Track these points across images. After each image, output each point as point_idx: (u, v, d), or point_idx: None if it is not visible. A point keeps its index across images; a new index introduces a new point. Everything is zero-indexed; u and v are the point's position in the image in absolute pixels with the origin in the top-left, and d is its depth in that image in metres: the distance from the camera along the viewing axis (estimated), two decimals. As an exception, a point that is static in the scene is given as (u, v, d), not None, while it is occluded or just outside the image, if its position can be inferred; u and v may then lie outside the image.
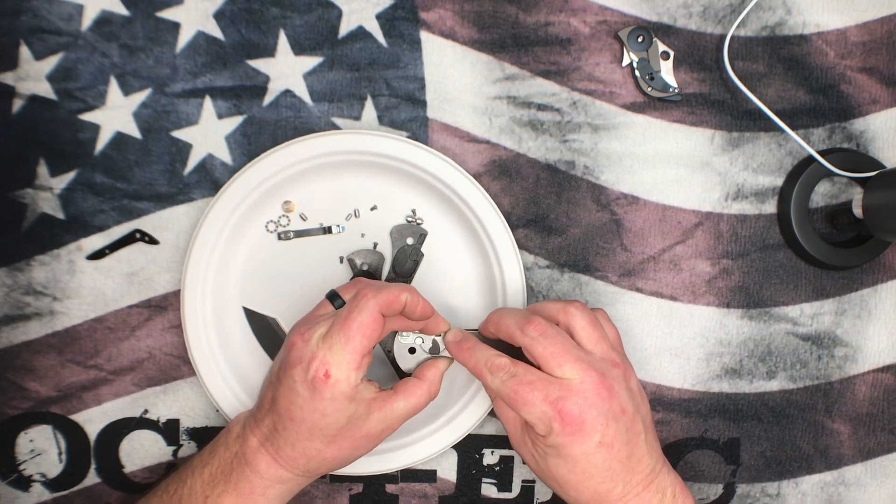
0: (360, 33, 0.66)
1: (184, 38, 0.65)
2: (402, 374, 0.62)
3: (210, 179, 0.66)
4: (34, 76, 0.65)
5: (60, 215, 0.66)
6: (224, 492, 0.58)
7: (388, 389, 0.58)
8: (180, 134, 0.66)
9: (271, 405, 0.57)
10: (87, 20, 0.65)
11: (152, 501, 0.60)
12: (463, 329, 0.61)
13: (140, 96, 0.65)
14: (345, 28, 0.66)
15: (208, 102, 0.66)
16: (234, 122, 0.66)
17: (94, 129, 0.65)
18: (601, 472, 0.55)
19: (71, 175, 0.65)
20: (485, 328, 0.60)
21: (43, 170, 0.65)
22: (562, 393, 0.54)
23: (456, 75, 0.66)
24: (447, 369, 0.61)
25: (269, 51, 0.66)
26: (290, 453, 0.57)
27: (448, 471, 0.68)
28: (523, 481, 0.68)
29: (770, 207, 0.68)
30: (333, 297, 0.60)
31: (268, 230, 0.66)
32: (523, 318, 0.57)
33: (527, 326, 0.56)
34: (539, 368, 0.56)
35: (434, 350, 0.61)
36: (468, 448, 0.68)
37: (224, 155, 0.66)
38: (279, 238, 0.66)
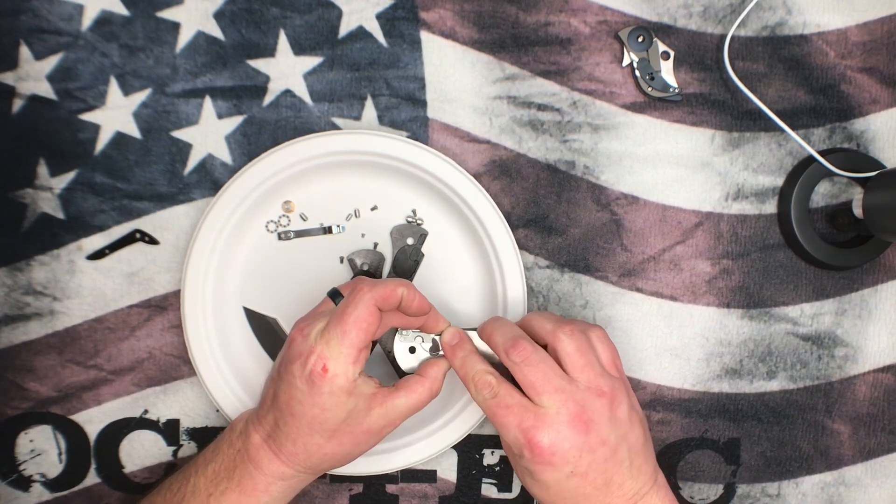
0: (360, 33, 0.66)
1: (184, 38, 0.65)
2: (402, 374, 0.62)
3: (210, 179, 0.66)
4: (34, 76, 0.65)
5: (60, 215, 0.66)
6: (227, 489, 0.58)
7: (389, 386, 0.58)
8: (180, 134, 0.66)
9: (273, 401, 0.58)
10: (87, 20, 0.65)
11: (156, 500, 0.60)
12: (462, 328, 0.61)
13: (140, 96, 0.65)
14: (345, 28, 0.66)
15: (208, 102, 0.66)
16: (234, 122, 0.66)
17: (94, 129, 0.65)
18: (575, 496, 0.55)
19: (71, 175, 0.65)
20: (480, 334, 0.60)
21: (43, 170, 0.65)
22: (535, 423, 0.54)
23: (456, 75, 0.66)
24: (450, 368, 0.61)
25: (269, 51, 0.66)
26: (291, 449, 0.57)
27: (448, 471, 0.68)
28: (523, 481, 0.68)
29: (770, 207, 0.68)
30: (335, 295, 0.60)
31: (268, 230, 0.66)
32: (510, 340, 0.56)
33: (511, 350, 0.56)
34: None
35: (434, 349, 0.61)
36: (468, 448, 0.68)
37: (224, 155, 0.66)
38: (279, 238, 0.66)
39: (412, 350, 0.61)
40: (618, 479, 0.56)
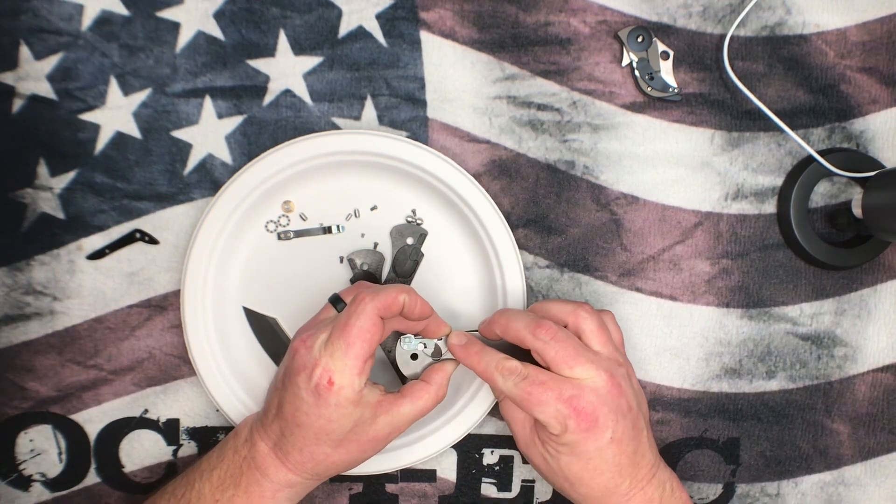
0: (360, 33, 0.66)
1: (184, 37, 0.65)
2: (404, 380, 0.62)
3: (210, 179, 0.66)
4: (34, 76, 0.65)
5: (60, 215, 0.66)
6: (234, 496, 0.58)
7: (394, 392, 0.58)
8: (180, 134, 0.66)
9: (278, 411, 0.58)
10: (87, 20, 0.65)
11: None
12: (464, 331, 0.61)
13: (140, 96, 0.65)
14: (345, 28, 0.66)
15: (208, 102, 0.66)
16: (234, 122, 0.66)
17: (94, 128, 0.65)
18: (611, 467, 0.57)
19: (71, 175, 0.65)
20: (488, 329, 0.60)
21: (43, 170, 0.65)
22: (575, 391, 0.55)
23: (456, 75, 0.66)
24: (453, 372, 0.61)
25: (269, 51, 0.66)
26: (298, 458, 0.57)
27: (448, 470, 0.68)
28: (523, 481, 0.68)
29: (770, 207, 0.68)
30: (336, 301, 0.60)
31: (268, 230, 0.66)
32: (533, 322, 0.57)
33: (538, 330, 0.57)
34: (548, 370, 0.57)
35: (436, 354, 0.61)
36: (468, 448, 0.68)
37: (224, 155, 0.66)
38: (279, 238, 0.66)
39: (414, 356, 0.61)
40: (641, 449, 0.58)
